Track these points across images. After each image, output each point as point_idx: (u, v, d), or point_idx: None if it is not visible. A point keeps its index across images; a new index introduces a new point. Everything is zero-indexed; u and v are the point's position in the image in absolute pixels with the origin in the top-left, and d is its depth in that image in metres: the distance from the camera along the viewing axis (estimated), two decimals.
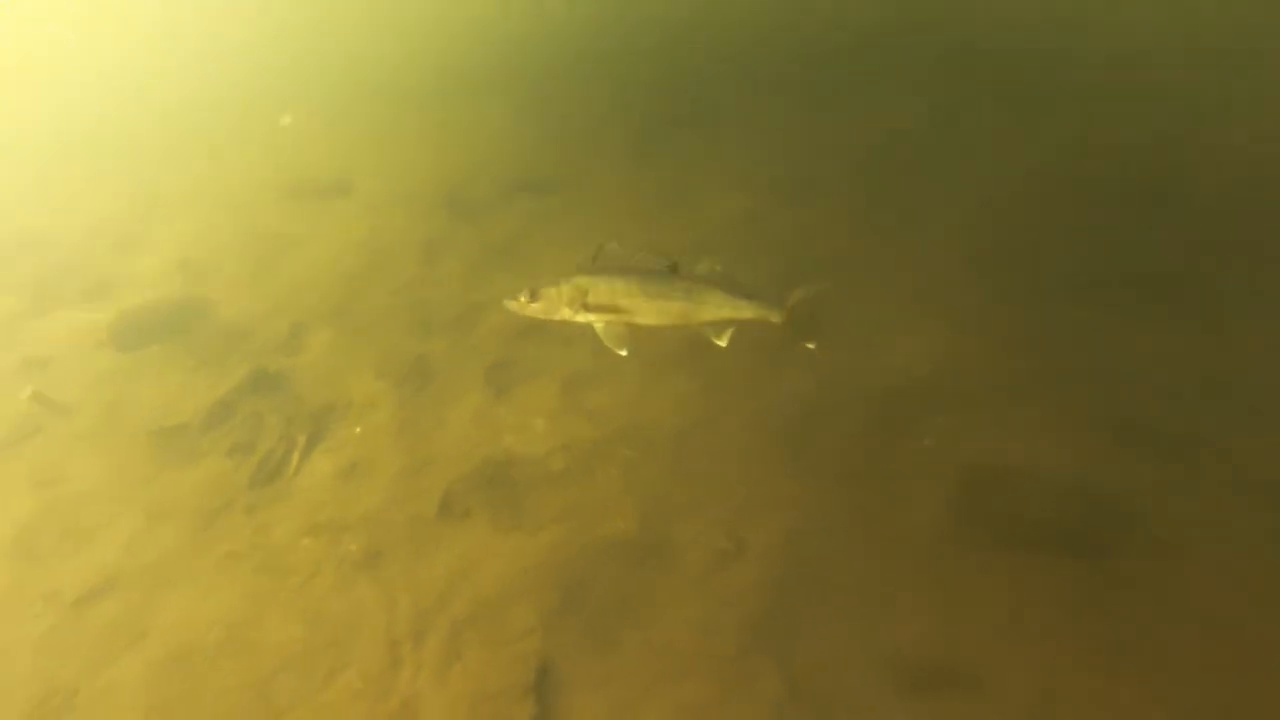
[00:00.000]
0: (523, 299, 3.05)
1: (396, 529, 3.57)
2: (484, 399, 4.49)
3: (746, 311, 3.10)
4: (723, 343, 3.11)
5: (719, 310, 3.08)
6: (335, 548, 3.45)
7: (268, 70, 13.83)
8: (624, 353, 3.07)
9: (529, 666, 2.92)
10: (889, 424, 4.32)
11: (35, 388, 4.31)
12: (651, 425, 4.36)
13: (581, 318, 3.07)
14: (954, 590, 3.28)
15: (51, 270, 6.19)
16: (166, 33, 15.90)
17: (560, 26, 15.28)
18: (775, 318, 3.11)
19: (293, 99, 11.80)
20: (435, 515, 3.65)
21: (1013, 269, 5.85)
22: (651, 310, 3.05)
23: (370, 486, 3.83)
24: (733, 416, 4.41)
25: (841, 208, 7.03)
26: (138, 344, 5.06)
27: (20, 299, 5.61)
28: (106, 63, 14.54)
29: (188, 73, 13.35)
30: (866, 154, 8.09)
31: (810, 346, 3.17)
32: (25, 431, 4.17)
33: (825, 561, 3.49)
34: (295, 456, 4.04)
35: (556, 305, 3.05)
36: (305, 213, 7.23)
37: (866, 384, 4.63)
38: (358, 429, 4.24)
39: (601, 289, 3.04)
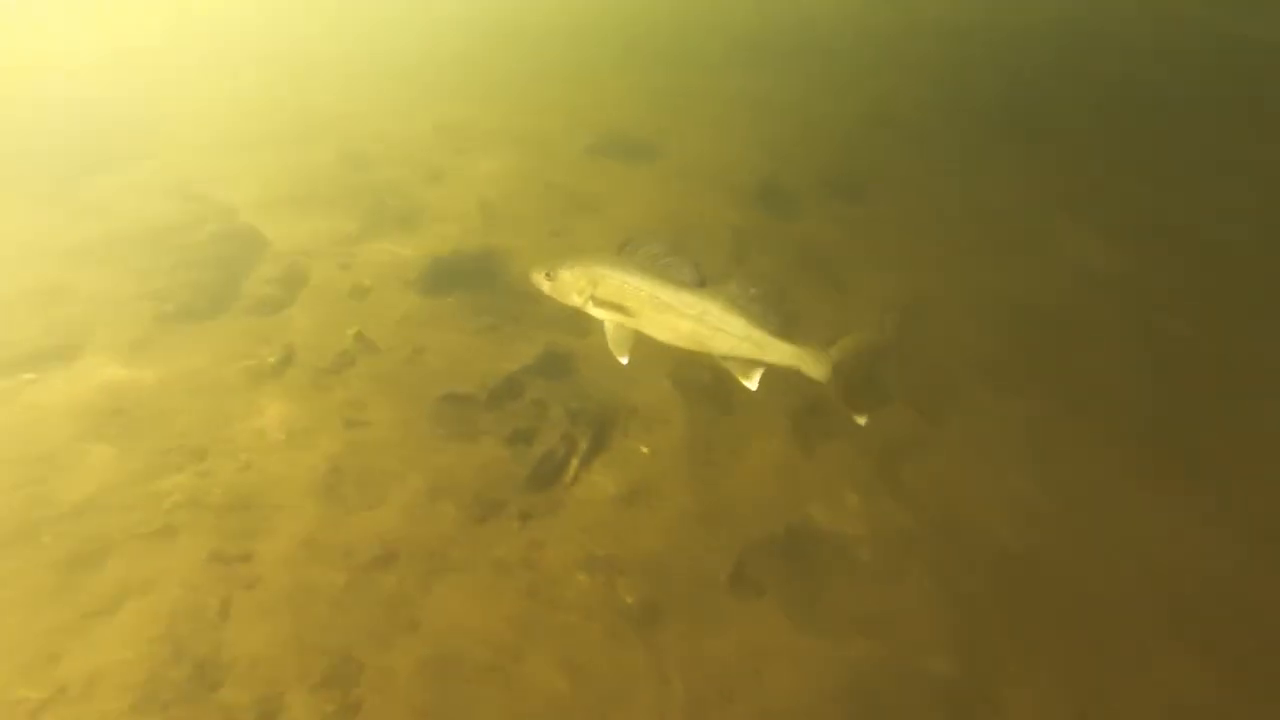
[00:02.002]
0: (542, 275, 3.03)
1: (679, 588, 3.36)
2: (788, 448, 4.14)
3: (773, 354, 2.75)
4: (751, 385, 2.84)
5: (737, 344, 2.78)
6: (611, 593, 3.32)
7: (578, 18, 14.46)
8: (624, 360, 2.98)
9: None
10: None
11: (360, 327, 4.71)
12: (982, 535, 3.74)
13: (592, 310, 2.98)
14: None
15: (374, 195, 6.86)
16: None
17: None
18: (816, 372, 2.72)
19: (599, 48, 12.18)
20: (726, 584, 3.37)
21: None
22: (658, 323, 2.90)
23: (654, 524, 3.66)
24: (1096, 549, 3.64)
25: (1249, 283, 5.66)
26: (438, 290, 5.40)
27: (353, 222, 6.29)
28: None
29: (499, 11, 14.39)
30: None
31: (861, 422, 2.76)
32: (344, 362, 4.62)
33: None
34: (574, 462, 3.99)
35: (568, 290, 2.99)
36: (608, 172, 7.34)
37: None
38: (645, 448, 4.10)
39: (611, 284, 2.91)
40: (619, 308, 2.91)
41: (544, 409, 4.29)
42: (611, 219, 6.42)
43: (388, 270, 5.70)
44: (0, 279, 5.08)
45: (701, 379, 4.56)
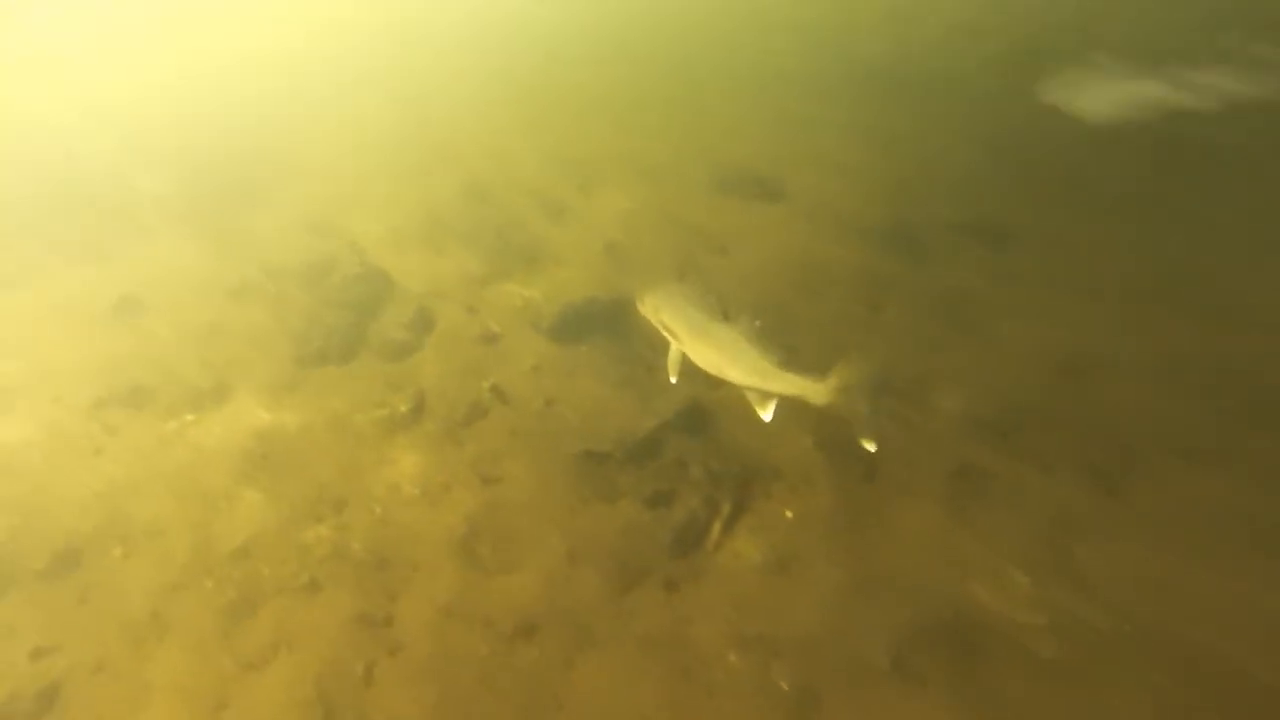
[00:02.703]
0: (640, 300, 3.65)
1: (835, 673, 3.22)
2: (942, 515, 3.93)
3: (777, 383, 2.99)
4: (765, 415, 3.10)
5: (749, 374, 3.05)
6: (765, 675, 3.21)
7: (692, 43, 14.58)
8: (673, 380, 3.43)
9: None
10: None
11: (494, 380, 4.80)
12: (1197, 641, 3.37)
13: (664, 332, 3.44)
14: None
15: (496, 232, 7.04)
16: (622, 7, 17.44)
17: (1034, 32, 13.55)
18: (817, 398, 2.90)
19: (713, 75, 12.21)
20: (887, 670, 3.18)
21: None
22: (695, 349, 3.27)
23: (805, 598, 3.53)
24: None
25: None
26: (569, 338, 5.45)
27: (477, 262, 6.48)
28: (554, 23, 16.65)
29: (613, 36, 14.64)
30: None
31: (870, 448, 2.92)
32: (476, 414, 4.73)
33: None
34: (717, 526, 3.92)
35: (650, 313, 3.55)
36: (734, 212, 7.28)
37: None
38: (789, 511, 3.98)
39: (669, 312, 3.40)
40: (673, 332, 3.35)
41: (684, 468, 4.22)
42: (740, 263, 6.33)
43: (516, 315, 5.81)
44: (171, 318, 5.51)
45: (843, 436, 4.39)
